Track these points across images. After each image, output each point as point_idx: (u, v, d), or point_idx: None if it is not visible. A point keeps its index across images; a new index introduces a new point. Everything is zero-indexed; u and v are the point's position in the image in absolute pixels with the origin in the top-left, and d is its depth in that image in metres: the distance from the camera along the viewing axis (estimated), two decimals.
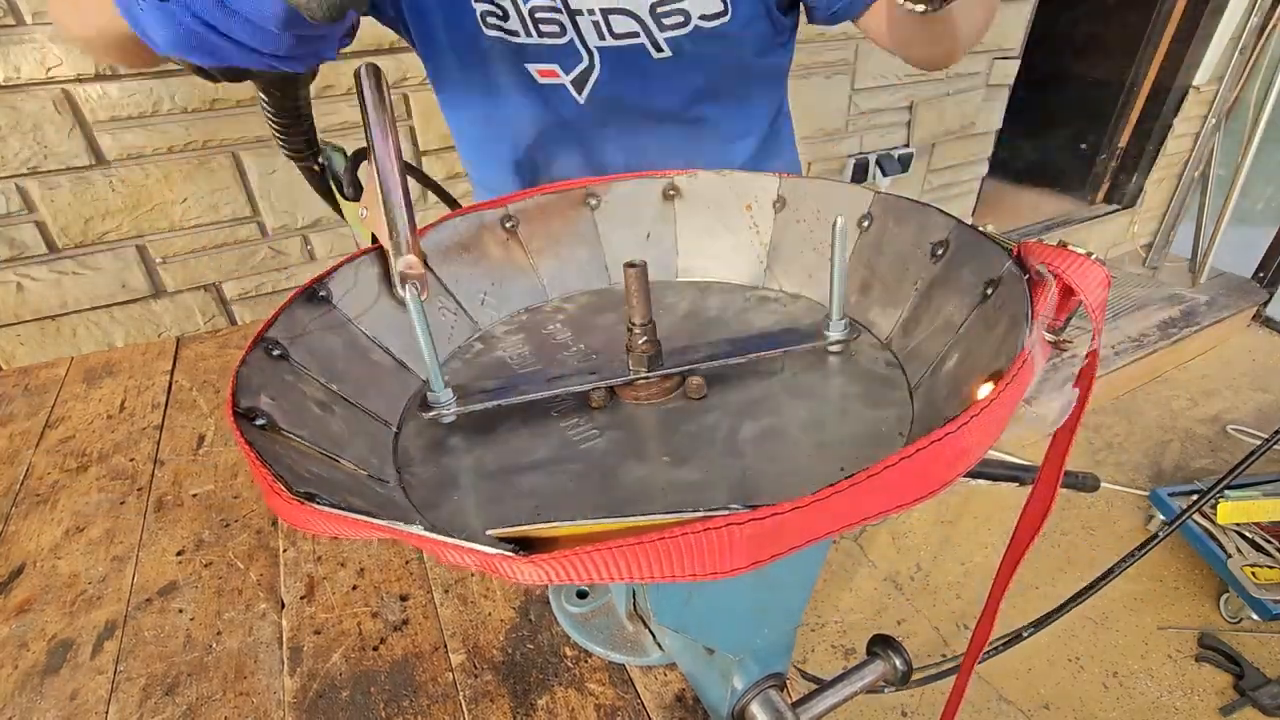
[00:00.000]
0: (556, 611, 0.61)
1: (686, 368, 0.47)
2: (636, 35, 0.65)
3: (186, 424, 0.87)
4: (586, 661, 0.58)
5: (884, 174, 2.15)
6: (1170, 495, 1.82)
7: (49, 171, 1.15)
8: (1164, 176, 2.97)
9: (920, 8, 0.46)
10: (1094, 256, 0.35)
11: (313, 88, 1.27)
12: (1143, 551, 0.75)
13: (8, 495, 0.77)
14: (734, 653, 0.45)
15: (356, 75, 0.49)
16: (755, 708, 0.46)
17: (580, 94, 0.69)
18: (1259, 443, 2.13)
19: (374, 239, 0.52)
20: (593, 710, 0.54)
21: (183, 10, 0.34)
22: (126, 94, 1.15)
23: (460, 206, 0.60)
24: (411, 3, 0.67)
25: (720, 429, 0.43)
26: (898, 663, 0.48)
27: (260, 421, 0.37)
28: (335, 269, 0.50)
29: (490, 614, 0.62)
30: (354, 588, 0.65)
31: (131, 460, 0.82)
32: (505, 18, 0.65)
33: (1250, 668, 1.53)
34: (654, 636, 0.56)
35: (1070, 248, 0.36)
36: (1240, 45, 2.61)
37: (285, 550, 0.69)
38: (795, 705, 0.46)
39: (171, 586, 0.66)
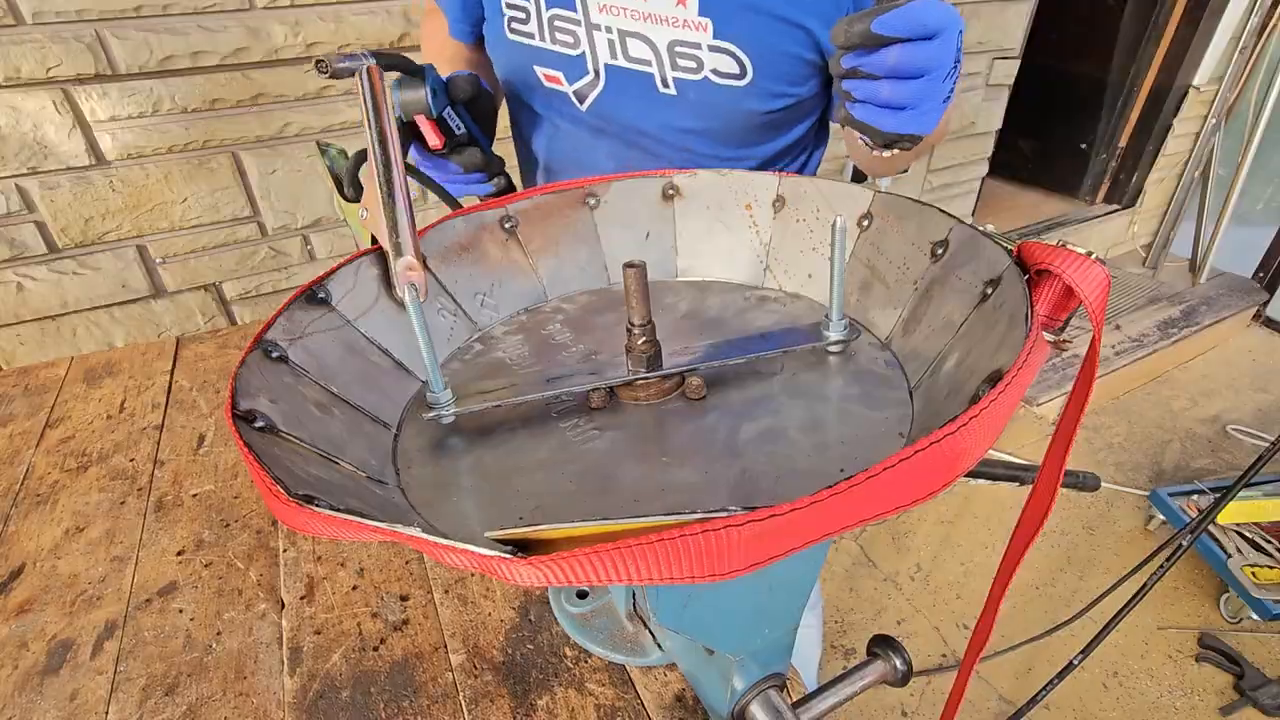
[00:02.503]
0: (556, 612, 0.61)
1: (686, 368, 0.47)
2: (648, 65, 0.66)
3: (186, 424, 0.87)
4: (586, 662, 0.58)
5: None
6: (1170, 495, 1.82)
7: (49, 171, 1.15)
8: (1164, 176, 2.97)
9: (882, 153, 0.49)
10: (1094, 256, 0.35)
11: (312, 87, 1.28)
12: (1177, 556, 0.75)
13: (8, 495, 0.77)
14: (734, 653, 0.45)
15: (358, 75, 0.49)
16: (755, 708, 0.46)
17: (582, 104, 0.71)
18: (1257, 442, 2.13)
19: (374, 240, 0.52)
20: (593, 710, 0.54)
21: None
22: (126, 94, 1.15)
23: (460, 207, 0.60)
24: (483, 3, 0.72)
25: (719, 429, 0.43)
26: (898, 663, 0.48)
27: (259, 423, 0.37)
28: (335, 270, 0.50)
29: (490, 614, 0.62)
30: (354, 588, 0.65)
31: (131, 460, 0.82)
32: (526, 20, 0.68)
33: (1250, 668, 1.53)
34: (654, 637, 0.56)
35: (1070, 248, 0.36)
36: (1240, 45, 2.61)
37: (285, 550, 0.69)
38: (795, 705, 0.46)
39: (171, 586, 0.66)
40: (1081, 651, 0.86)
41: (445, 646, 0.60)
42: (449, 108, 0.61)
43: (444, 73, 0.63)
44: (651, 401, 0.46)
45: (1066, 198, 3.11)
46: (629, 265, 0.44)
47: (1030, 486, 0.41)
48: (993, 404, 0.28)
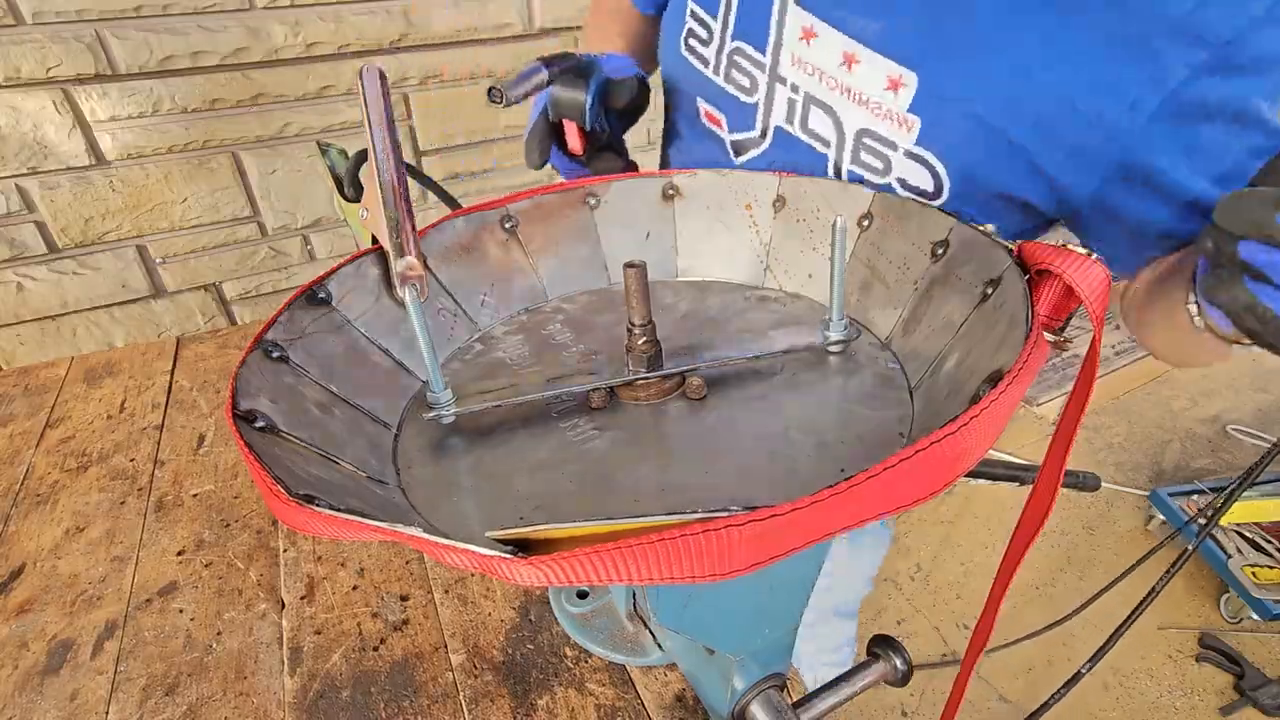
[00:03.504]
0: (557, 612, 0.61)
1: (686, 368, 0.47)
2: (826, 145, 0.56)
3: (186, 424, 0.87)
4: (586, 661, 0.58)
5: None
6: (1170, 495, 1.82)
7: (49, 171, 1.15)
8: None
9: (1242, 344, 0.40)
10: (1094, 256, 0.35)
11: (312, 87, 1.28)
12: (1182, 561, 0.75)
13: (8, 495, 0.77)
14: (734, 653, 0.45)
15: (359, 75, 0.49)
16: (755, 708, 0.46)
17: (736, 158, 0.63)
18: (1258, 442, 2.13)
19: (374, 240, 0.52)
20: (593, 710, 0.54)
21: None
22: (126, 94, 1.15)
23: (460, 207, 0.60)
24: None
25: (720, 429, 0.43)
26: (898, 663, 0.48)
27: (260, 423, 0.37)
28: (335, 270, 0.50)
29: (490, 614, 0.62)
30: (354, 588, 0.65)
31: (131, 460, 0.82)
32: (706, 42, 0.59)
33: (1250, 668, 1.53)
34: (654, 637, 0.56)
35: (1071, 247, 0.36)
36: None
37: (285, 550, 0.69)
38: (795, 705, 0.46)
39: (171, 586, 0.66)
40: (1090, 660, 0.86)
41: (445, 646, 0.60)
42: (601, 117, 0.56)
43: (612, 45, 0.58)
44: (652, 401, 0.46)
45: None
46: (629, 265, 0.44)
47: (1030, 486, 0.41)
48: (993, 404, 0.28)
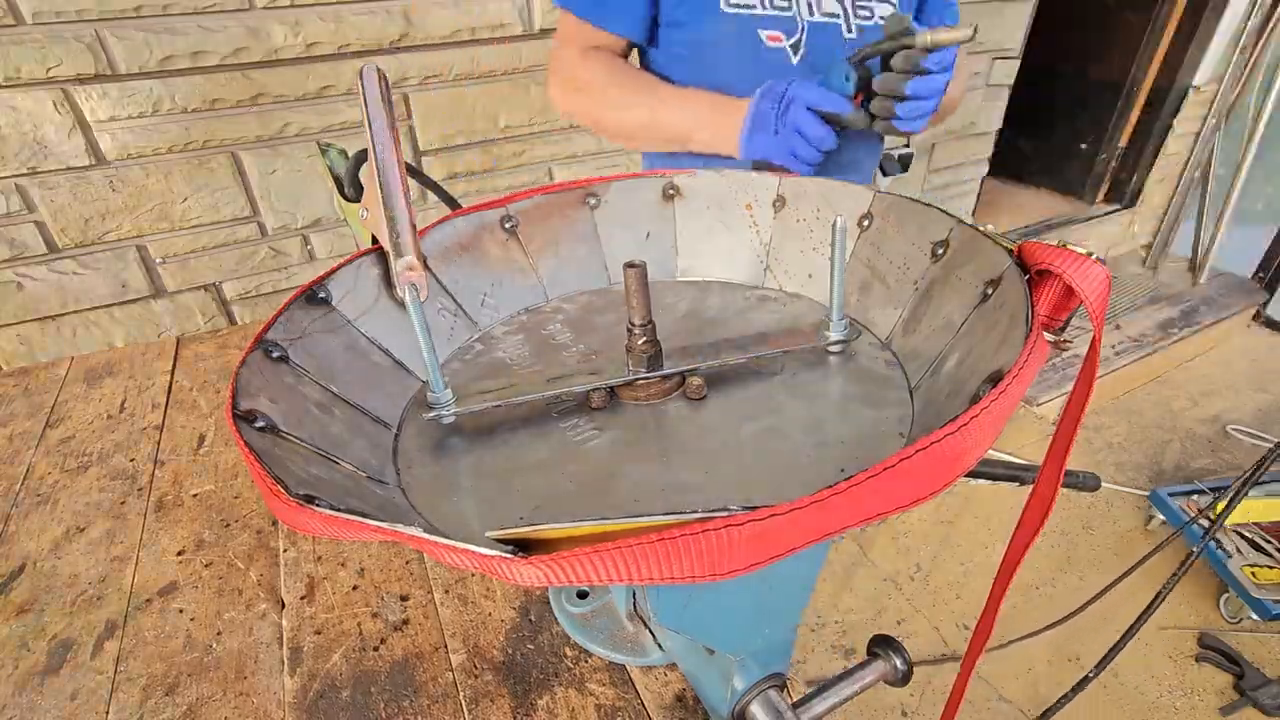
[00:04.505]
0: (557, 611, 0.61)
1: (686, 368, 0.47)
2: (836, 17, 0.84)
3: (186, 424, 0.87)
4: (587, 661, 0.58)
5: (884, 174, 2.14)
6: (1170, 495, 1.82)
7: (49, 171, 1.15)
8: (1164, 176, 2.96)
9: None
10: (1094, 256, 0.35)
11: (312, 87, 1.27)
12: (1187, 565, 0.75)
13: (8, 495, 0.77)
14: (734, 653, 0.45)
15: (359, 75, 0.49)
16: (755, 708, 0.46)
17: (795, 56, 0.85)
18: (1257, 442, 2.13)
19: (374, 240, 0.52)
20: (593, 710, 0.54)
21: (787, 156, 0.73)
22: (126, 94, 1.15)
23: (460, 207, 0.60)
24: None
25: (720, 429, 0.43)
26: (898, 663, 0.48)
27: (260, 423, 0.37)
28: (335, 270, 0.50)
29: (490, 614, 0.62)
30: (354, 588, 0.65)
31: (131, 460, 0.82)
32: None
33: (1250, 668, 1.53)
34: (654, 637, 0.56)
35: (1070, 247, 0.36)
36: (1240, 45, 2.61)
37: (285, 550, 0.69)
38: (795, 706, 0.46)
39: (171, 586, 0.66)
40: (1096, 666, 0.86)
41: (445, 646, 0.60)
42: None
43: (625, 70, 0.86)
44: (652, 401, 0.46)
45: (1067, 197, 3.10)
46: (629, 265, 0.44)
47: (1030, 486, 0.41)
48: (993, 404, 0.28)
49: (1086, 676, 0.87)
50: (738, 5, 0.81)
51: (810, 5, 0.83)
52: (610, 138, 0.90)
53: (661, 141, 0.84)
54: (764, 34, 0.82)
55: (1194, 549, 0.78)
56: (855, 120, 0.71)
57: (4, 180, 1.13)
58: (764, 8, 0.82)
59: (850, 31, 0.84)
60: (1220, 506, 1.66)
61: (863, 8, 0.84)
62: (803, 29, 0.83)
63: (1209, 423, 2.30)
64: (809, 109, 0.71)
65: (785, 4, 0.82)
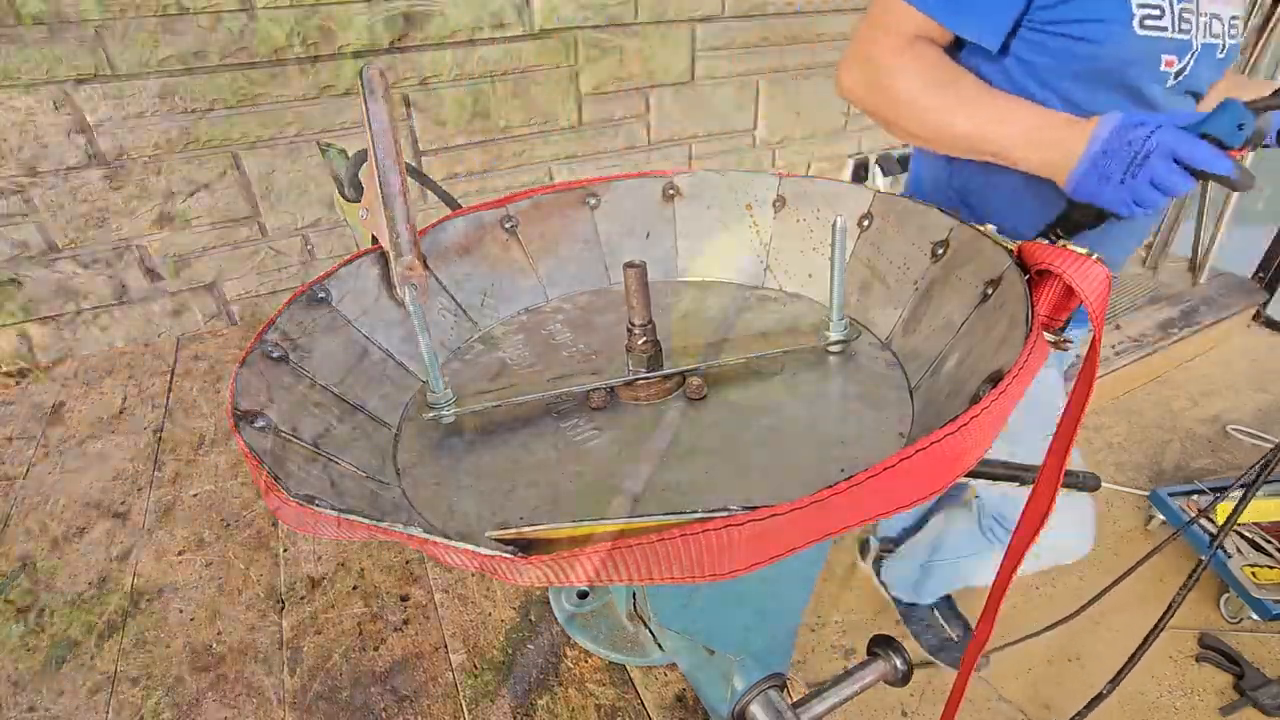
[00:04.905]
0: (557, 611, 0.61)
1: (686, 368, 0.47)
2: (1218, 36, 0.82)
3: (186, 424, 0.87)
4: (586, 661, 0.58)
5: (884, 174, 2.15)
6: (1170, 495, 1.82)
7: (49, 171, 1.15)
8: None
9: None
10: (1094, 256, 0.35)
11: (312, 87, 1.28)
12: (1197, 575, 0.75)
13: (8, 495, 0.77)
14: (734, 653, 0.45)
15: (359, 75, 0.49)
16: (755, 708, 0.46)
17: (1173, 80, 0.81)
18: (1257, 442, 2.13)
19: (374, 240, 0.52)
20: (593, 710, 0.54)
21: (1126, 206, 0.65)
22: (126, 94, 1.15)
23: (460, 207, 0.60)
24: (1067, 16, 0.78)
25: (720, 429, 0.43)
26: (898, 663, 0.48)
27: (260, 423, 0.37)
28: (335, 270, 0.50)
29: (490, 614, 0.62)
30: (354, 588, 0.65)
31: (131, 460, 0.82)
32: (1160, 16, 0.77)
33: (1250, 668, 1.53)
34: (654, 637, 0.56)
35: (1071, 247, 0.36)
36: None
37: (285, 550, 0.69)
38: (795, 706, 0.46)
39: (172, 586, 0.66)
40: (1111, 681, 0.86)
41: (445, 646, 0.60)
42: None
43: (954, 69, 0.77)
44: (652, 401, 0.46)
45: None
46: (629, 265, 0.44)
47: (1030, 486, 0.41)
48: (993, 404, 0.28)
49: (1101, 694, 0.86)
50: (1152, 27, 0.76)
51: (1206, 26, 0.80)
52: (900, 138, 0.82)
53: (973, 152, 0.75)
54: (1165, 58, 0.78)
55: (1202, 558, 0.78)
56: (1241, 183, 0.58)
57: (4, 180, 1.13)
58: (1175, 31, 0.77)
59: (1222, 53, 0.82)
60: (1224, 509, 1.66)
61: (1233, 24, 0.83)
62: (1193, 53, 0.79)
63: (1209, 423, 2.30)
64: (1176, 160, 0.63)
65: (1188, 26, 0.78)
